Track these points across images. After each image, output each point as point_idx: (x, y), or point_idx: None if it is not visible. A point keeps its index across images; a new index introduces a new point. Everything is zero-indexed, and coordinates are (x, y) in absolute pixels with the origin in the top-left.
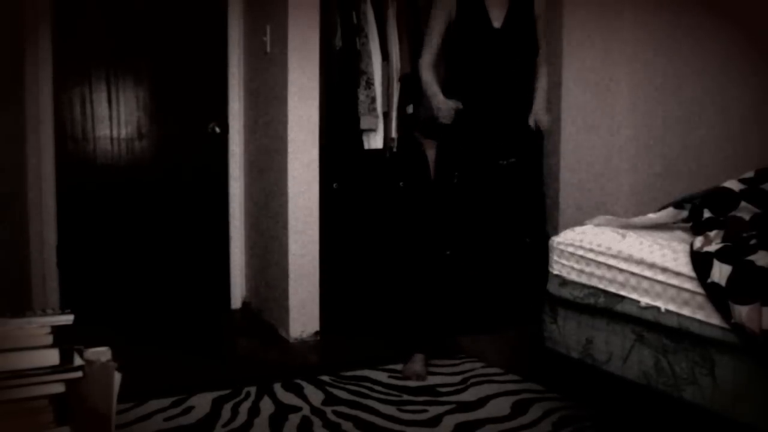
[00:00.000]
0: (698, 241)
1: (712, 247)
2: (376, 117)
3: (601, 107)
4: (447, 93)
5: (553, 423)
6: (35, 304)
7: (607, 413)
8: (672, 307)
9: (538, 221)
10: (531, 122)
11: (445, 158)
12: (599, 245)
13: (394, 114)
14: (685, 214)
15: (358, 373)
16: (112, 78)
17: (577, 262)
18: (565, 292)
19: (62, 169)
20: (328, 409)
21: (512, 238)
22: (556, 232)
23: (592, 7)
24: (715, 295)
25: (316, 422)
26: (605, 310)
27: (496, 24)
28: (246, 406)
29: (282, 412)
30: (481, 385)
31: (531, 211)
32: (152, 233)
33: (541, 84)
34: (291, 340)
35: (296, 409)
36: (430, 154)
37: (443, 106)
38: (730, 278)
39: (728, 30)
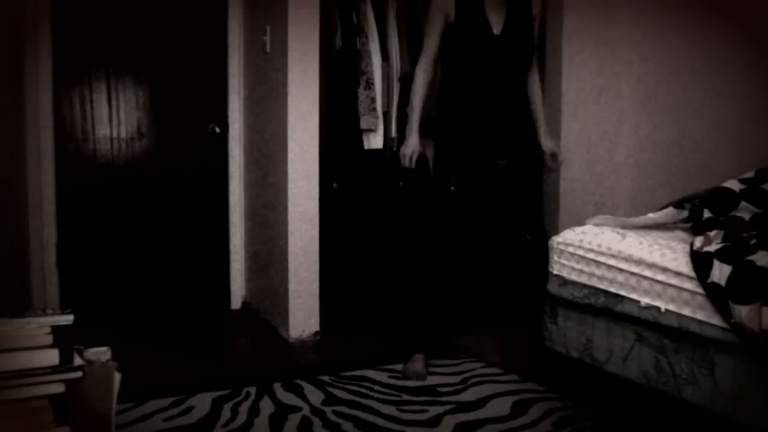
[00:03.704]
0: (698, 241)
1: (712, 247)
2: (376, 117)
3: (601, 106)
4: (444, 95)
5: (553, 423)
6: (35, 304)
7: (607, 413)
8: (672, 307)
9: (537, 219)
10: (546, 149)
11: (442, 159)
12: (599, 245)
13: (394, 114)
14: (685, 214)
15: (358, 373)
16: (112, 78)
17: (577, 262)
18: (565, 292)
19: (62, 168)
20: (328, 409)
21: (512, 236)
22: (556, 232)
23: (591, 6)
24: (715, 295)
25: (316, 422)
26: (605, 310)
27: (496, 29)
28: (246, 406)
29: (282, 412)
30: (481, 385)
31: (530, 209)
32: (152, 233)
33: (536, 95)
34: (291, 340)
35: (296, 409)
36: (430, 154)
37: (408, 150)
38: (730, 278)
39: (729, 29)
